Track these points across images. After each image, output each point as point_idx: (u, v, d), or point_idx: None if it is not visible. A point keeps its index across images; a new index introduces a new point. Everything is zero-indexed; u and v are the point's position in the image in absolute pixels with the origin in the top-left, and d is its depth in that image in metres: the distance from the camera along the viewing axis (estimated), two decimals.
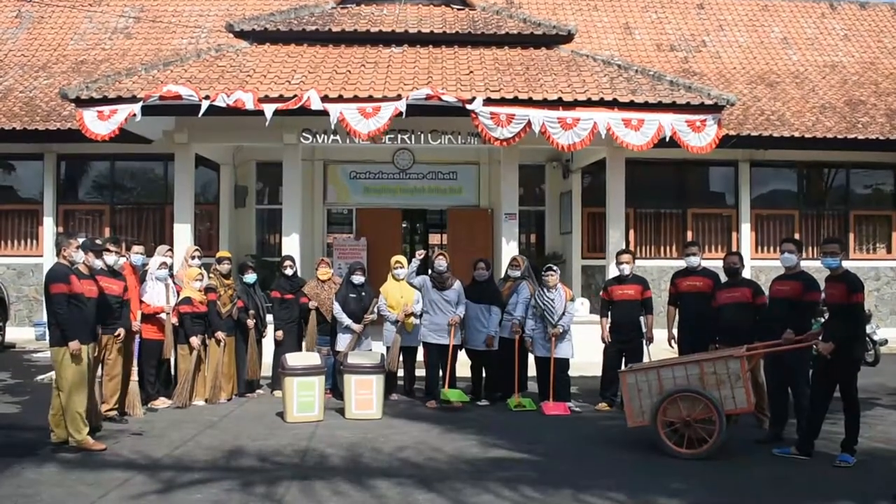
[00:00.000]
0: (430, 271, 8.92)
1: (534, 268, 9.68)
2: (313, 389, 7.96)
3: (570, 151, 10.61)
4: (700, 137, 10.60)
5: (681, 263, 8.85)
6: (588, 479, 5.98)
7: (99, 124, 10.31)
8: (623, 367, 8.43)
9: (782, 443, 6.95)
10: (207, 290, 8.77)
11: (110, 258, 7.60)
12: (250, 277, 9.35)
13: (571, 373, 8.86)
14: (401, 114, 10.18)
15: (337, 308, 8.93)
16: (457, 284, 8.80)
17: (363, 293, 9.01)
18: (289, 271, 9.50)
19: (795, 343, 6.84)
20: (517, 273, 9.14)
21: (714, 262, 9.57)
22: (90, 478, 5.87)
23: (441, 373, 8.86)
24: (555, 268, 8.94)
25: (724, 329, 7.89)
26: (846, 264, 6.68)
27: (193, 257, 9.10)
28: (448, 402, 8.48)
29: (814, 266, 8.60)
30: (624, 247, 11.07)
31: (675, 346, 8.55)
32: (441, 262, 8.77)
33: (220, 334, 8.69)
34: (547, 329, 8.57)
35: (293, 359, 8.21)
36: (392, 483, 5.84)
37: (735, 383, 6.62)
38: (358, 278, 8.98)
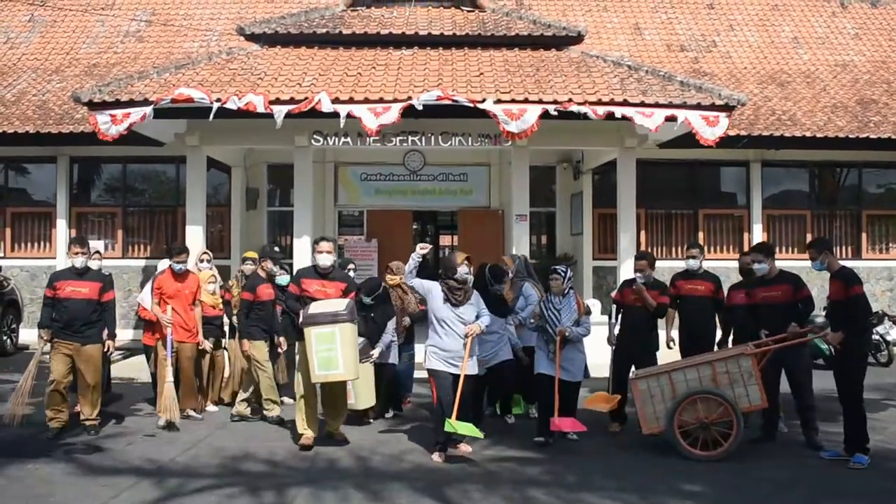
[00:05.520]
0: (441, 276, 7.07)
1: (539, 270, 9.25)
2: (334, 342, 6.69)
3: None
4: (713, 131, 10.54)
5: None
6: (600, 481, 5.97)
7: (112, 128, 10.34)
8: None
9: (774, 444, 7.06)
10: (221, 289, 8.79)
11: (78, 260, 7.39)
12: (283, 279, 8.66)
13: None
14: (412, 107, 10.13)
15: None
16: (473, 297, 6.89)
17: (373, 314, 7.76)
18: None
19: (800, 336, 6.87)
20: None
21: (727, 263, 9.49)
22: (103, 479, 5.92)
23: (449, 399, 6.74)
24: (560, 270, 7.43)
25: (735, 330, 7.90)
26: (859, 264, 6.70)
27: (202, 260, 9.12)
28: (455, 436, 6.68)
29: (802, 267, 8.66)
30: (636, 249, 10.94)
31: (674, 346, 8.24)
32: (464, 270, 6.91)
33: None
34: (549, 344, 7.19)
35: (315, 307, 6.97)
36: (403, 487, 5.83)
37: (748, 381, 6.64)
38: (367, 300, 7.77)
